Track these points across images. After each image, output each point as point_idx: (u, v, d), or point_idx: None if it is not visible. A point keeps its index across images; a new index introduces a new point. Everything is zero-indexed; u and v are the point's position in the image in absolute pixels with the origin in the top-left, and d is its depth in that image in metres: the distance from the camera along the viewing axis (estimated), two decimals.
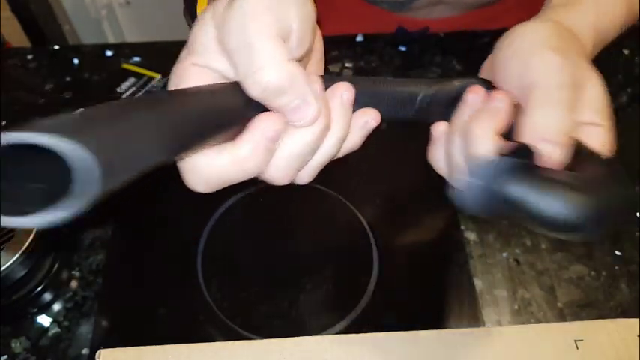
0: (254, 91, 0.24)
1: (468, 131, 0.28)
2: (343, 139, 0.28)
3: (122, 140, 0.18)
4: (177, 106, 0.21)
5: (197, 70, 0.25)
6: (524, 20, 0.31)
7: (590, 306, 0.45)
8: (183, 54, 0.26)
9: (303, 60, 0.28)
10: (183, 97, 0.23)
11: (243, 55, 0.23)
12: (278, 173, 0.26)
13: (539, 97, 0.27)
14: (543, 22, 0.30)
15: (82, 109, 0.18)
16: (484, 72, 0.34)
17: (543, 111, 0.27)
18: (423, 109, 0.30)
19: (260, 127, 0.24)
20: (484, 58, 0.33)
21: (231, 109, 0.24)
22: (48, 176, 0.17)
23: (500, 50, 0.30)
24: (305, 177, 0.28)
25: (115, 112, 0.19)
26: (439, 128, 0.31)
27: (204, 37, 0.25)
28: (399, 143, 0.54)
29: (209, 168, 0.24)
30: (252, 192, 0.51)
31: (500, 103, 0.28)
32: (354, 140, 0.29)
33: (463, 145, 0.28)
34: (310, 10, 0.26)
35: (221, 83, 0.25)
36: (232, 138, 0.25)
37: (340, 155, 0.29)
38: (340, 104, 0.27)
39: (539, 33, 0.29)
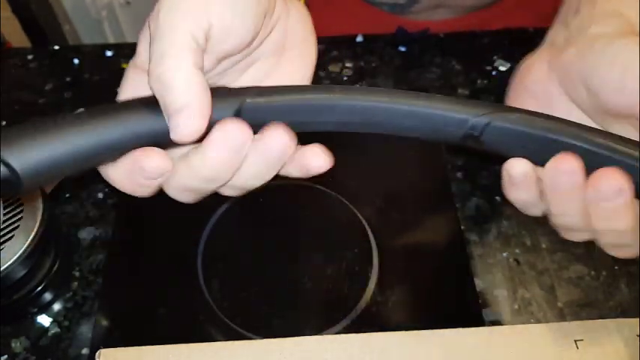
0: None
1: (607, 227, 0.27)
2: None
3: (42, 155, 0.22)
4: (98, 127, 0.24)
5: (136, 72, 0.27)
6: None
7: (590, 306, 0.45)
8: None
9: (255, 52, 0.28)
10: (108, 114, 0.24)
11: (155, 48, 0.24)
12: (173, 192, 0.27)
13: None
14: (631, 40, 0.27)
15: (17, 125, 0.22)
16: (535, 80, 0.32)
17: None
18: (473, 140, 0.25)
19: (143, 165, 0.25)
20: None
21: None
22: None
23: (599, 70, 0.27)
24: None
25: (39, 129, 0.22)
26: (517, 170, 0.26)
27: (143, 38, 0.27)
28: (400, 143, 0.54)
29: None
30: (252, 192, 0.51)
31: (628, 195, 0.25)
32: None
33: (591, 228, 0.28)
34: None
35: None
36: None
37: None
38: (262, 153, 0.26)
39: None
